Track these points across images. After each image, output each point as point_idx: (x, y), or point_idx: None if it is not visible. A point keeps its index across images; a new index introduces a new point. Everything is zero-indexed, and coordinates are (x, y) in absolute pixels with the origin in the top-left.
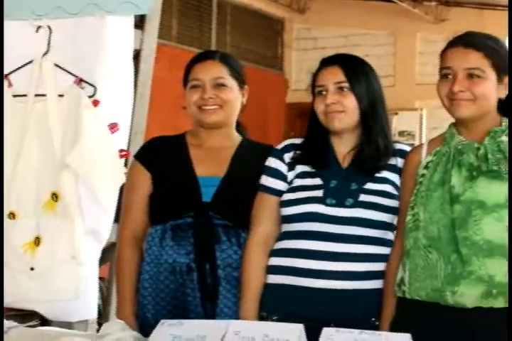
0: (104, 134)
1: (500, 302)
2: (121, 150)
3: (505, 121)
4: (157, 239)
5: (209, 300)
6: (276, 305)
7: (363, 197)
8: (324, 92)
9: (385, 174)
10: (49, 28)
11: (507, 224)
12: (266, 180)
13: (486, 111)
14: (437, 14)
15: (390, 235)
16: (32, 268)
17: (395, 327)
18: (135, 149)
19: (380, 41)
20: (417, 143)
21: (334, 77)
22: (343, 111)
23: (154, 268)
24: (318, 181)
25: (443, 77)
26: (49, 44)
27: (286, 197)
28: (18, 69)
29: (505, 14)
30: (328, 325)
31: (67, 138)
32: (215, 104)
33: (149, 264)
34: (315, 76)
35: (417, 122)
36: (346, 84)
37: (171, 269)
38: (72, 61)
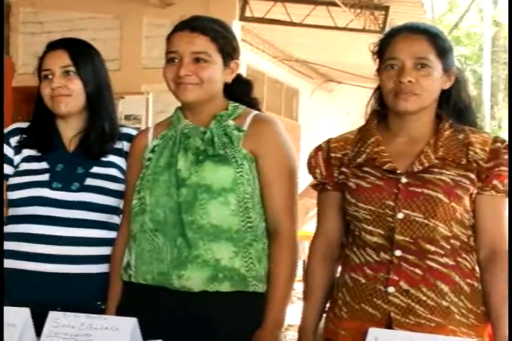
0: None
1: (226, 287)
2: None
3: (231, 106)
4: None
5: None
6: (5, 289)
7: (88, 181)
8: (50, 76)
9: (111, 158)
10: None
11: (233, 208)
12: None
13: (212, 95)
14: None
15: (116, 219)
16: None
17: (121, 311)
18: None
19: (106, 25)
20: (143, 126)
21: (60, 61)
22: (69, 95)
23: None
24: (44, 165)
25: (169, 61)
26: None
27: (13, 181)
28: None
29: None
30: (55, 309)
31: None
32: None
33: None
34: (41, 60)
35: (144, 106)
36: (72, 68)
37: None
38: None
